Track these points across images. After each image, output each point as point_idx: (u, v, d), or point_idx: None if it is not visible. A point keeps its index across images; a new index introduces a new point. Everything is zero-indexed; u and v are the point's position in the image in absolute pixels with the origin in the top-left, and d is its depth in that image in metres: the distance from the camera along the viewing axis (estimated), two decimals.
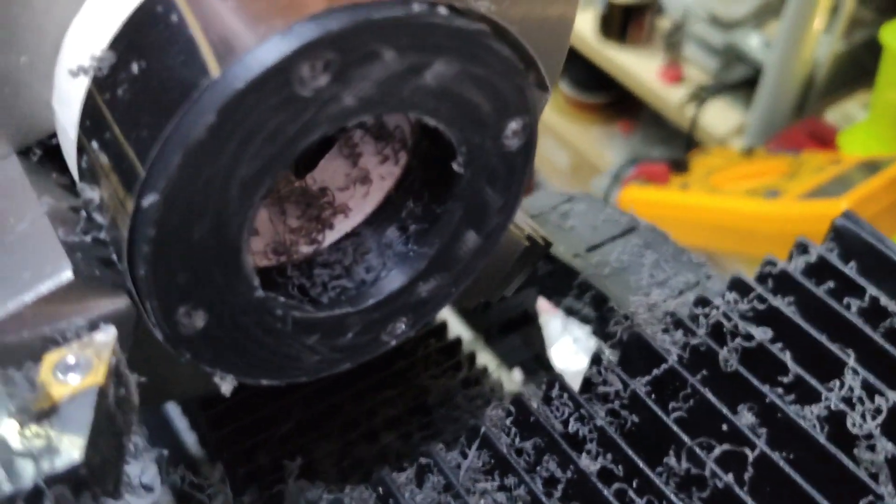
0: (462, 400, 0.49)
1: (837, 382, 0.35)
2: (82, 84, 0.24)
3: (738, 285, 0.39)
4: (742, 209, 1.02)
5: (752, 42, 1.41)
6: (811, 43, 1.26)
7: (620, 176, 1.20)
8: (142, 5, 0.24)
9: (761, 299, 0.38)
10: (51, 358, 0.22)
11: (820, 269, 0.41)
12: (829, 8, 1.24)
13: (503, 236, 0.36)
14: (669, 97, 1.49)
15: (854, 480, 0.33)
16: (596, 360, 0.37)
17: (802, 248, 0.41)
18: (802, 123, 1.23)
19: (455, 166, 0.26)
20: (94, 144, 0.23)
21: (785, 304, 0.38)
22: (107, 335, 0.23)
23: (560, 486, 0.34)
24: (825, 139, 1.17)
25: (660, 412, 0.34)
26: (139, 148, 0.22)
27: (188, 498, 0.37)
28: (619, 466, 0.34)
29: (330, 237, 0.31)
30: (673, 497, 0.32)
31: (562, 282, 0.53)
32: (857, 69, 1.34)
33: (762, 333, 0.37)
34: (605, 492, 0.32)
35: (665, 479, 0.34)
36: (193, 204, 0.22)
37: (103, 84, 0.23)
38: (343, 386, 0.49)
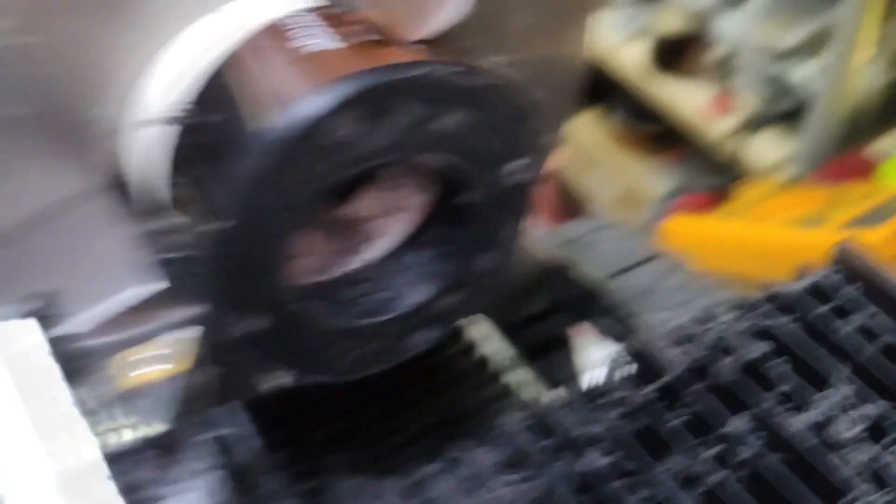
0: (486, 416, 0.53)
1: (826, 394, 0.39)
2: (173, 130, 0.30)
3: (740, 305, 0.43)
4: (783, 238, 1.04)
5: (803, 72, 1.43)
6: (859, 73, 1.28)
7: (665, 207, 1.24)
8: (214, 69, 0.30)
9: (760, 317, 0.42)
10: (139, 351, 0.28)
11: (819, 292, 0.44)
12: (877, 37, 1.25)
13: (517, 259, 0.41)
14: (719, 128, 1.52)
15: (837, 480, 0.36)
16: (611, 370, 0.41)
17: (804, 272, 0.45)
18: (847, 154, 1.24)
19: (468, 197, 0.32)
20: (179, 179, 0.30)
21: (782, 323, 0.42)
22: (189, 333, 0.29)
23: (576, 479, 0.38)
24: (868, 170, 1.18)
25: (660, 418, 0.39)
26: (214, 183, 0.27)
27: None
28: (629, 463, 0.38)
29: (364, 258, 0.37)
30: (675, 488, 0.36)
31: (590, 305, 0.58)
32: None
33: (758, 349, 0.41)
34: (616, 483, 0.37)
35: (667, 475, 0.38)
36: (247, 230, 0.28)
37: (188, 131, 0.30)
38: (374, 402, 0.54)
